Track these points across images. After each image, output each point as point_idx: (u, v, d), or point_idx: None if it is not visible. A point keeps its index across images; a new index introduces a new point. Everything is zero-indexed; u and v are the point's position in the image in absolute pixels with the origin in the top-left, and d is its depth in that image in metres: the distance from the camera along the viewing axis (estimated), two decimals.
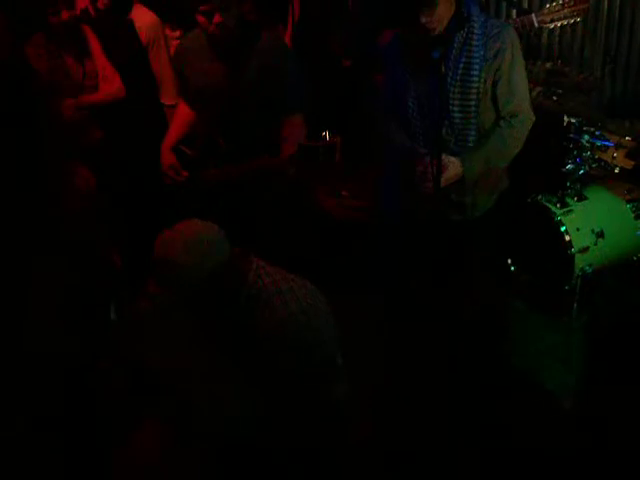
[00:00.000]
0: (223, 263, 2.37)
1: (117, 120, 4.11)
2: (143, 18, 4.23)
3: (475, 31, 2.99)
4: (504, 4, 5.04)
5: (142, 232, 2.93)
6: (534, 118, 3.16)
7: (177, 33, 5.38)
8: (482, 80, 3.01)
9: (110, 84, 4.04)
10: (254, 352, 2.42)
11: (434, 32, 2.97)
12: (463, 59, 3.01)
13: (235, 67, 3.39)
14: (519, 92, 3.08)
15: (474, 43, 2.99)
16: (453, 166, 3.04)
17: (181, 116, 3.78)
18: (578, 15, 3.61)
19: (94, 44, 3.97)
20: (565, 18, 3.62)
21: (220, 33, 3.25)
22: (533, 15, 3.64)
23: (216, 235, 2.41)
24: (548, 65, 4.62)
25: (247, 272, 2.46)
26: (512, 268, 4.38)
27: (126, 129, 4.17)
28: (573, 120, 4.26)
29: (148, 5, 4.35)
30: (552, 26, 3.65)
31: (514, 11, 3.84)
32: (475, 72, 3.00)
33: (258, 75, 3.38)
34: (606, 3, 5.38)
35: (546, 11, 3.65)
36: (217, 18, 3.20)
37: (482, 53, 2.99)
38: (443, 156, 2.93)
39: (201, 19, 3.25)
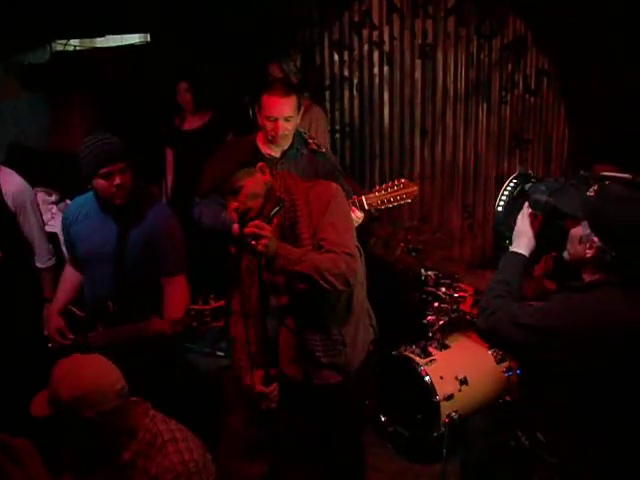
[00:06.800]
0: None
1: None
2: (11, 183, 4.28)
3: (298, 202, 3.01)
4: None
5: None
6: (355, 265, 3.01)
7: (53, 197, 5.51)
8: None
9: None
10: None
11: (248, 217, 2.92)
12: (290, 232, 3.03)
13: (124, 230, 3.48)
14: (341, 234, 2.98)
15: (299, 214, 3.01)
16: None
17: (68, 279, 3.80)
18: (407, 198, 3.70)
19: None
20: (395, 201, 3.70)
21: (120, 194, 3.36)
22: (363, 197, 3.69)
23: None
24: (408, 224, 4.89)
25: (142, 419, 2.56)
26: (382, 419, 4.47)
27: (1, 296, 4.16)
28: (430, 273, 4.51)
29: (17, 169, 4.40)
30: (383, 207, 3.72)
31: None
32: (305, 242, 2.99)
33: (144, 238, 3.48)
34: (461, 162, 5.85)
35: (375, 195, 3.71)
36: (117, 180, 3.32)
37: (308, 222, 3.00)
38: None
39: (100, 182, 3.34)
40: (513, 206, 2.79)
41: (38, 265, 4.43)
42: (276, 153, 3.76)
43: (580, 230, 2.50)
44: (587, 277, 2.54)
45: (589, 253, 2.47)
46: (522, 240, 2.71)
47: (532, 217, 2.69)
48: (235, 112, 5.69)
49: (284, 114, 3.66)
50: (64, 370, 2.48)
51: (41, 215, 4.54)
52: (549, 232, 2.68)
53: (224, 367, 5.07)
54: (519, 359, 3.87)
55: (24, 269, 4.40)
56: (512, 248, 2.74)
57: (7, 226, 4.19)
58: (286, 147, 3.77)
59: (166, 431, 2.58)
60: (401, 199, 3.67)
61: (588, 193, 2.49)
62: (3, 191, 4.18)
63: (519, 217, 2.73)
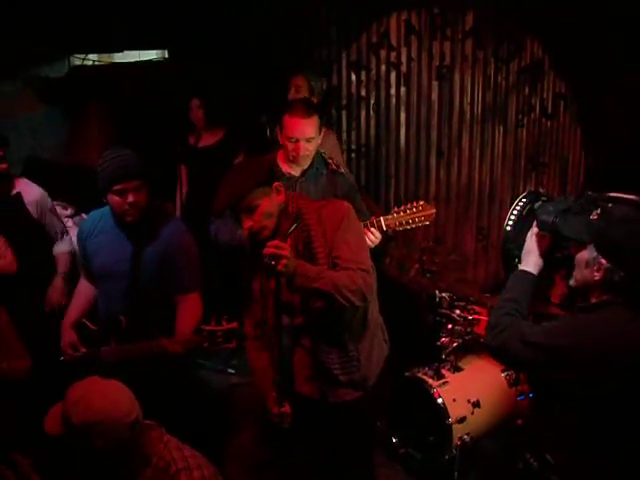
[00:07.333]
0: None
1: (9, 293, 4.11)
2: (30, 193, 4.34)
3: (310, 222, 3.01)
4: None
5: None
6: (371, 280, 3.05)
7: (69, 211, 5.52)
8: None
9: (2, 259, 4.09)
10: None
11: (262, 236, 2.95)
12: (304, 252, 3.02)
13: (139, 247, 3.47)
14: (355, 251, 3.00)
15: (312, 234, 3.00)
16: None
17: (82, 292, 3.80)
18: (425, 220, 3.67)
19: None
20: (413, 223, 3.67)
21: (132, 212, 3.35)
22: (381, 219, 3.67)
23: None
24: (422, 245, 4.87)
25: (157, 444, 2.52)
26: (393, 440, 4.44)
27: (20, 300, 4.17)
28: (445, 295, 4.49)
29: (33, 182, 4.44)
30: (401, 229, 3.69)
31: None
32: (321, 261, 2.99)
33: (160, 256, 3.48)
34: (476, 184, 5.84)
35: (393, 216, 3.67)
36: (131, 197, 3.31)
37: (323, 241, 2.99)
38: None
39: (113, 198, 3.34)
40: (523, 225, 2.80)
41: (57, 251, 4.49)
42: (296, 172, 3.79)
43: (586, 254, 2.49)
44: (594, 299, 2.52)
45: (597, 276, 2.46)
46: (531, 259, 2.71)
47: (540, 236, 2.70)
48: (249, 129, 5.71)
49: (306, 135, 3.67)
50: (78, 394, 2.44)
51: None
52: (557, 252, 2.69)
53: (235, 384, 5.09)
54: (529, 376, 3.85)
55: (41, 280, 4.45)
56: (521, 266, 2.74)
57: (28, 237, 4.25)
58: (306, 166, 3.79)
59: (180, 459, 2.53)
60: (419, 221, 3.64)
61: (591, 217, 2.49)
62: (26, 202, 4.25)
63: (528, 236, 2.74)
